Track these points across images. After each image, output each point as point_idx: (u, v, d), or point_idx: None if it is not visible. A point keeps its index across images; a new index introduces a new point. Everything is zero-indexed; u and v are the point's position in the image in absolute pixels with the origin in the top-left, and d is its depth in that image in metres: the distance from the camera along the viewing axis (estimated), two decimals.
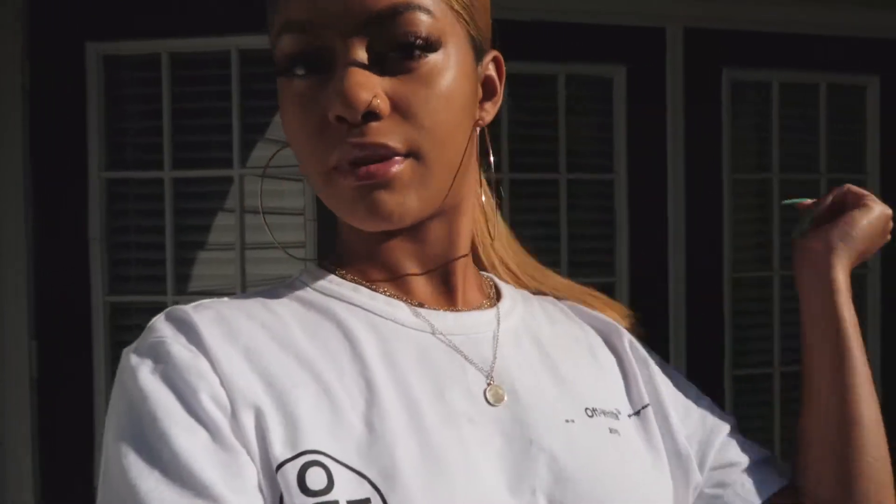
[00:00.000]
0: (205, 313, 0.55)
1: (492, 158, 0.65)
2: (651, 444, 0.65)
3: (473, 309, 0.64)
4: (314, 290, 0.61)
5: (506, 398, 0.58)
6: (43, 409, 2.25)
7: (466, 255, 0.65)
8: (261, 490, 0.50)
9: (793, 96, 2.71)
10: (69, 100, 2.21)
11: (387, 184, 0.55)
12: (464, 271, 0.65)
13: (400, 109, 0.54)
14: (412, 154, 0.55)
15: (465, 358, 0.59)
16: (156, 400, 0.50)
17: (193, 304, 0.57)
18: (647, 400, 0.67)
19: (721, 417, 0.71)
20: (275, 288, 0.62)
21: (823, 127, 2.74)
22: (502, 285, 0.69)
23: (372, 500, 0.49)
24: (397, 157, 0.55)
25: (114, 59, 2.25)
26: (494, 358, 0.60)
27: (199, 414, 0.50)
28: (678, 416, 0.68)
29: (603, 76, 2.55)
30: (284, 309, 0.58)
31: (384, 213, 0.55)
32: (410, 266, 0.62)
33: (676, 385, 0.71)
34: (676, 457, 0.66)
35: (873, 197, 0.73)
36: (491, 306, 0.65)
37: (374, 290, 0.61)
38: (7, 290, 2.20)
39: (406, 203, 0.56)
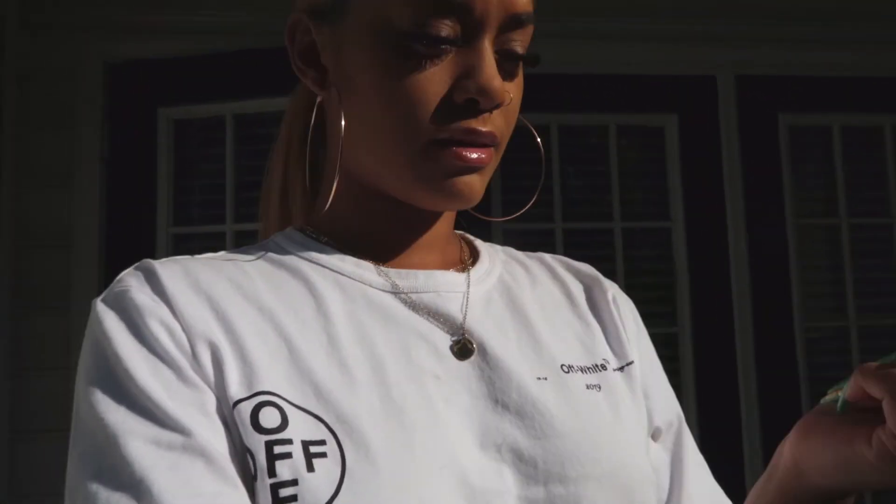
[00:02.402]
0: (171, 266, 0.57)
1: None
2: (635, 401, 0.64)
3: (448, 269, 0.64)
4: (285, 250, 0.62)
5: (474, 356, 0.58)
6: None
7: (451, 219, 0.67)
8: (225, 425, 0.51)
9: (856, 139, 2.64)
10: (142, 161, 2.37)
11: (479, 169, 0.58)
12: (445, 234, 0.66)
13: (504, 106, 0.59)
14: (497, 145, 0.59)
15: (434, 316, 0.59)
16: (120, 342, 0.52)
17: (162, 259, 0.59)
18: (631, 357, 0.66)
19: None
20: (248, 248, 0.64)
21: (892, 169, 2.64)
22: (482, 246, 0.70)
23: (328, 441, 0.50)
24: (492, 146, 0.59)
25: (182, 123, 2.41)
26: (464, 317, 0.60)
27: (161, 355, 0.52)
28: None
29: (654, 125, 2.56)
30: (252, 266, 0.60)
31: (472, 195, 0.59)
32: (406, 238, 0.64)
33: (652, 366, 0.69)
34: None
35: None
36: (466, 267, 0.65)
37: (346, 252, 0.62)
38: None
39: (483, 188, 0.60)
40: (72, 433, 0.52)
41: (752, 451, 2.42)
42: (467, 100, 0.56)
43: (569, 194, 2.51)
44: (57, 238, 2.27)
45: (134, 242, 2.31)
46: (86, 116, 2.32)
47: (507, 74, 0.59)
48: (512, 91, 0.59)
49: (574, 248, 2.48)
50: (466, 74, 0.56)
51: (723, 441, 2.41)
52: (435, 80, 0.56)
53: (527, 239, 2.44)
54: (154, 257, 0.59)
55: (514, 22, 0.57)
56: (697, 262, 2.50)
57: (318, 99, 0.63)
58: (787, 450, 0.57)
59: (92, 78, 2.33)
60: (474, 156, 0.57)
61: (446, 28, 0.55)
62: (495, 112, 0.58)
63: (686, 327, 2.47)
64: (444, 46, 0.56)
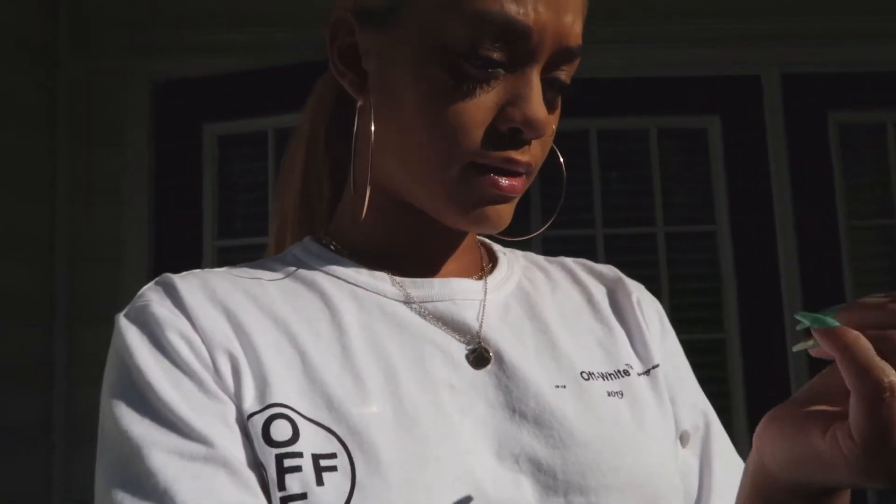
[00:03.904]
0: (190, 280, 0.58)
1: None
2: (661, 405, 0.62)
3: (465, 276, 0.63)
4: (302, 262, 0.62)
5: (490, 364, 0.57)
6: None
7: None
8: (245, 435, 0.51)
9: None
10: (188, 176, 2.43)
11: (512, 198, 0.58)
12: (466, 243, 0.65)
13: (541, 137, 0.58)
14: (531, 174, 0.59)
15: (450, 325, 0.59)
16: (142, 355, 0.53)
17: (182, 273, 0.60)
18: (656, 360, 0.64)
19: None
20: (265, 260, 0.64)
21: None
22: (501, 252, 0.69)
23: (338, 455, 0.50)
24: (525, 176, 0.58)
25: (226, 138, 2.47)
26: (480, 325, 0.59)
27: (182, 367, 0.53)
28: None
29: (696, 127, 2.51)
30: (269, 278, 0.60)
31: (502, 223, 0.59)
32: (425, 248, 0.63)
33: (678, 368, 0.67)
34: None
35: None
36: (484, 274, 0.65)
37: (363, 262, 0.62)
38: None
39: (511, 214, 0.60)
40: (98, 446, 0.54)
41: None
42: (511, 129, 0.55)
43: (610, 199, 2.48)
44: (108, 252, 2.35)
45: (181, 255, 2.38)
46: (134, 134, 2.40)
47: (549, 104, 0.58)
48: (552, 121, 0.59)
49: (616, 253, 2.44)
50: (513, 102, 0.55)
51: None
52: (482, 104, 0.55)
53: (567, 245, 2.42)
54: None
55: (565, 54, 0.57)
56: (744, 266, 2.43)
57: (359, 103, 0.61)
58: (754, 438, 0.50)
59: (139, 96, 2.41)
60: (508, 183, 0.56)
61: (500, 53, 0.54)
62: (534, 142, 0.57)
63: (734, 334, 2.41)
64: (494, 71, 0.55)
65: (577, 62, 0.58)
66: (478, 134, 0.55)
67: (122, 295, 2.36)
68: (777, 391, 2.38)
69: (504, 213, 0.58)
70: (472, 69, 0.54)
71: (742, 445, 0.63)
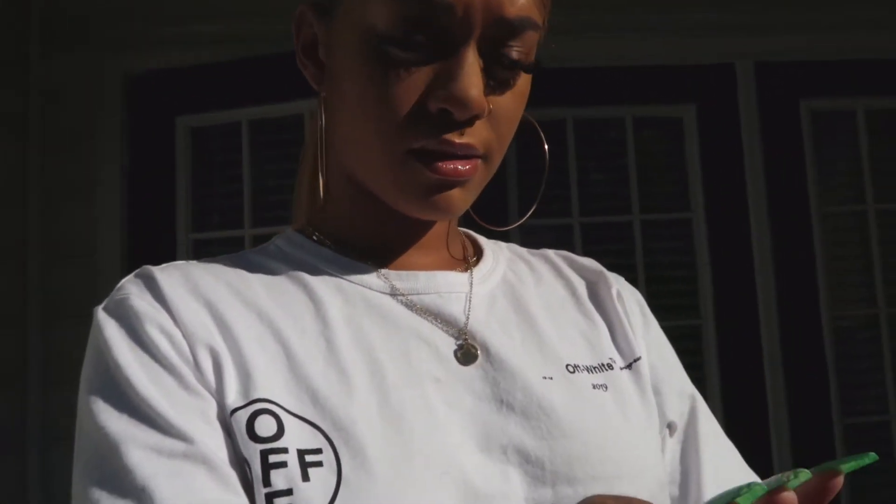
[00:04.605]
0: (170, 272, 0.57)
1: None
2: (644, 398, 0.62)
3: (450, 269, 0.63)
4: (285, 254, 0.61)
5: (478, 358, 0.57)
6: None
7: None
8: (227, 432, 0.50)
9: (882, 123, 2.58)
10: (161, 170, 2.40)
11: (461, 182, 0.56)
12: (446, 233, 0.65)
13: (491, 116, 0.56)
14: (484, 157, 0.57)
15: (436, 318, 0.58)
16: (120, 350, 0.52)
17: (162, 265, 0.59)
18: (638, 353, 0.64)
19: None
20: (247, 252, 0.63)
21: None
22: (486, 244, 0.68)
23: (324, 450, 0.49)
24: (477, 159, 0.56)
25: (199, 130, 2.44)
26: (467, 318, 0.59)
27: (162, 362, 0.52)
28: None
29: (671, 116, 2.52)
30: (252, 271, 0.59)
31: (452, 209, 0.57)
32: (405, 239, 0.62)
33: (663, 357, 0.67)
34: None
35: None
36: (469, 267, 0.64)
37: (347, 255, 0.61)
38: None
39: (467, 200, 0.58)
40: (76, 442, 0.52)
41: (780, 444, 2.38)
42: (441, 110, 0.53)
43: (587, 188, 2.49)
44: (81, 249, 2.32)
45: (156, 250, 2.35)
46: (106, 128, 2.36)
47: (500, 84, 0.55)
48: (505, 102, 0.56)
49: (593, 242, 2.46)
50: (441, 82, 0.53)
51: (749, 435, 2.37)
52: (412, 88, 0.53)
53: (545, 235, 2.43)
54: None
55: (504, 26, 0.54)
56: (719, 253, 2.46)
57: (322, 95, 0.60)
58: None
59: (111, 91, 2.37)
60: (451, 168, 0.54)
61: (425, 33, 0.53)
62: (479, 123, 0.55)
63: (709, 320, 2.44)
64: (422, 52, 0.53)
65: (529, 36, 0.55)
66: (410, 120, 0.54)
67: (96, 293, 2.32)
68: (751, 377, 2.41)
69: (455, 199, 0.56)
70: (399, 53, 0.53)
71: None
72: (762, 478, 0.64)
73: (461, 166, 0.55)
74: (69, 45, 2.36)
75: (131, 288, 0.55)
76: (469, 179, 0.56)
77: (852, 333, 2.53)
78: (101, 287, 2.30)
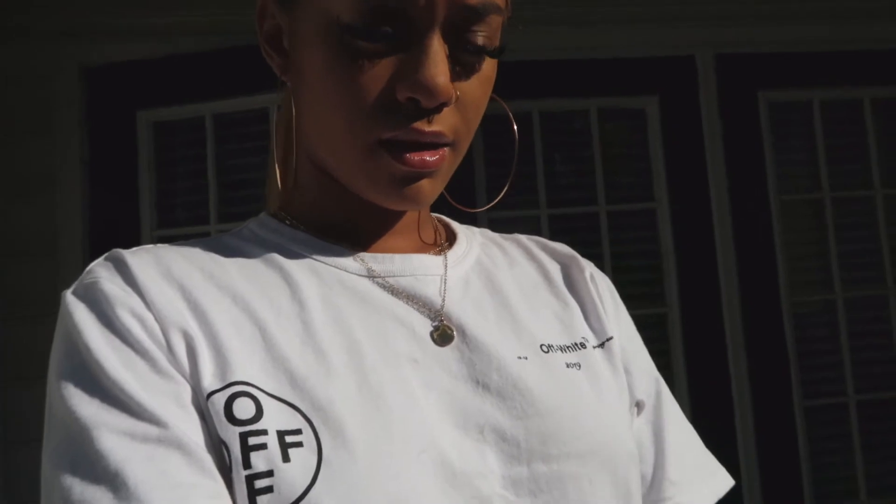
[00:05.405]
0: (141, 255, 0.56)
1: None
2: (616, 377, 0.64)
3: (424, 252, 0.63)
4: (259, 237, 0.61)
5: (454, 339, 0.58)
6: None
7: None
8: (201, 416, 0.50)
9: (836, 113, 2.65)
10: (123, 164, 2.35)
11: (430, 173, 0.56)
12: (418, 218, 0.65)
13: (458, 102, 0.56)
14: (453, 144, 0.57)
15: (412, 300, 0.59)
16: (91, 334, 0.51)
17: (133, 248, 0.58)
18: (609, 333, 0.66)
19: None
20: (221, 236, 0.63)
21: (873, 142, 2.65)
22: (459, 229, 0.69)
23: (303, 430, 0.49)
24: (446, 148, 0.56)
25: (162, 125, 2.40)
26: (443, 300, 0.59)
27: (134, 346, 0.51)
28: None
29: (635, 107, 2.56)
30: (225, 254, 0.59)
31: (422, 200, 0.57)
32: (378, 225, 0.63)
33: (631, 341, 0.69)
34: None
35: None
36: (443, 250, 0.65)
37: (322, 238, 0.61)
38: None
39: (436, 190, 0.58)
40: (45, 428, 0.51)
41: (744, 429, 2.44)
42: (409, 98, 0.53)
43: (553, 180, 2.51)
44: (41, 245, 2.26)
45: (119, 247, 2.30)
46: (64, 121, 2.30)
47: (466, 70, 0.56)
48: (472, 87, 0.56)
49: (560, 233, 2.48)
50: (408, 72, 0.53)
51: (714, 420, 2.42)
52: (378, 78, 0.53)
53: (512, 226, 2.44)
54: None
55: (468, 13, 0.54)
56: (683, 242, 2.50)
57: (289, 85, 0.60)
58: None
59: (68, 82, 2.31)
60: (419, 159, 0.55)
61: (388, 22, 0.53)
62: (447, 110, 0.55)
63: (674, 308, 2.48)
64: (387, 42, 0.53)
65: (493, 20, 0.55)
66: (377, 110, 0.54)
67: (57, 290, 2.26)
68: (715, 362, 2.46)
69: (425, 189, 0.57)
70: (363, 43, 0.53)
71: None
72: (722, 463, 0.66)
73: (429, 157, 0.55)
74: (23, 31, 2.28)
75: (101, 272, 0.54)
76: (437, 170, 0.57)
77: (811, 318, 2.60)
78: (61, 285, 2.23)
